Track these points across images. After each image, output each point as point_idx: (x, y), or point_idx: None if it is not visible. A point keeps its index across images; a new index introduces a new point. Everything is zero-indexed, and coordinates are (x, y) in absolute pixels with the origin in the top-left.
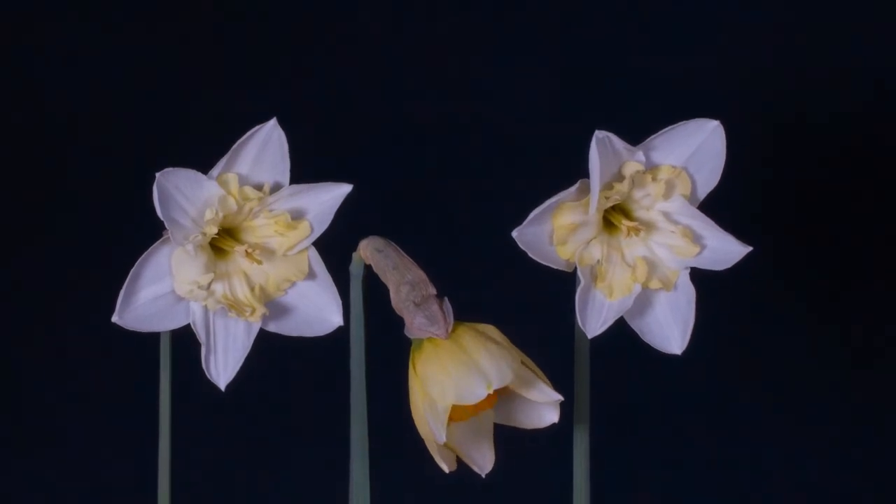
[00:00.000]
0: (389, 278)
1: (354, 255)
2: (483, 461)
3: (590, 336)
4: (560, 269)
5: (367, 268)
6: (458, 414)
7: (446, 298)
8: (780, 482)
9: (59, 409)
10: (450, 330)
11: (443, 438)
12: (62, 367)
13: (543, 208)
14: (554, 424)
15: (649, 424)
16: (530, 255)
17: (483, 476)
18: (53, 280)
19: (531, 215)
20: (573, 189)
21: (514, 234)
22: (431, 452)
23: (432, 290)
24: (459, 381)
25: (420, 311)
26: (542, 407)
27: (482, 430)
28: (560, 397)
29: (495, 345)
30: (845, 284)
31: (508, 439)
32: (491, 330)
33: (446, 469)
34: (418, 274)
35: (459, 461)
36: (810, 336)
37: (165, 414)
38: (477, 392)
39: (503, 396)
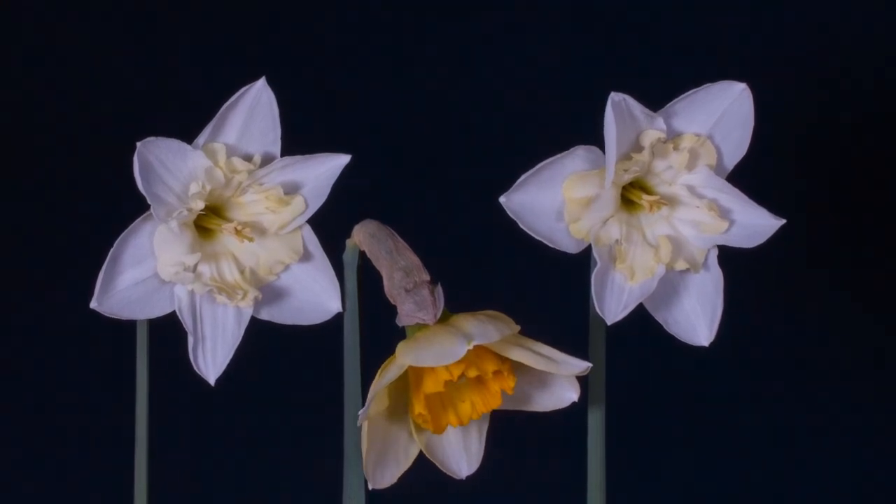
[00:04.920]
0: (382, 264)
1: (348, 241)
2: (470, 464)
3: (609, 322)
4: (557, 247)
5: (363, 256)
6: (456, 419)
7: (439, 284)
8: (799, 472)
9: (30, 404)
10: (438, 315)
11: (365, 414)
12: (36, 357)
13: (532, 172)
14: (574, 403)
15: (664, 417)
16: (521, 225)
17: (464, 478)
18: (27, 262)
19: (520, 179)
20: (569, 153)
21: (502, 199)
22: (364, 462)
23: (425, 277)
24: (439, 344)
25: (410, 298)
26: (561, 387)
27: (475, 429)
28: (588, 364)
29: (488, 318)
30: (882, 267)
31: (508, 439)
32: (490, 312)
33: (371, 485)
34: (412, 260)
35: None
36: (841, 322)
37: (142, 412)
38: (457, 350)
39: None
